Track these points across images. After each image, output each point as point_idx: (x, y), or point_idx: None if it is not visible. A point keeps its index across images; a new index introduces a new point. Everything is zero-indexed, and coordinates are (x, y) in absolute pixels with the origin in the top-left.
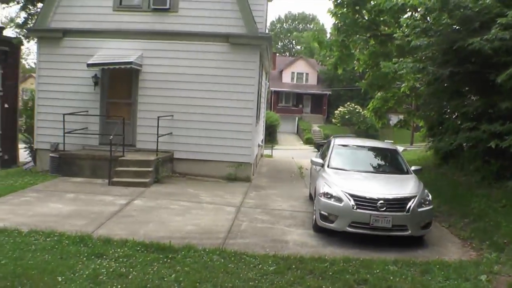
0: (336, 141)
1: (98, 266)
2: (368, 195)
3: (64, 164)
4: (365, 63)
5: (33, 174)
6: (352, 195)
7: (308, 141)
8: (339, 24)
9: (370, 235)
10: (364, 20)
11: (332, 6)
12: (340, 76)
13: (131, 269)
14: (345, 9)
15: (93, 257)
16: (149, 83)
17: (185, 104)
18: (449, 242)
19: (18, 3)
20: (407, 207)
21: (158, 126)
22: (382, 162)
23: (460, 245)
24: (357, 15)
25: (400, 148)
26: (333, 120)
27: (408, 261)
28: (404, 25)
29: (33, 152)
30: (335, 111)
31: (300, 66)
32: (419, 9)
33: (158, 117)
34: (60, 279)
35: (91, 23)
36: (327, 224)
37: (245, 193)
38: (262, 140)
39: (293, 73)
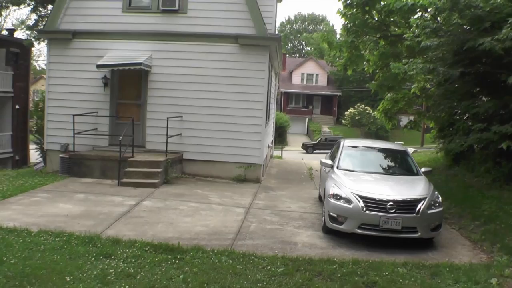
0: (346, 142)
1: (106, 266)
2: (377, 196)
3: (74, 165)
4: (375, 64)
5: (43, 174)
6: (361, 197)
7: None
8: (349, 25)
9: (380, 237)
10: (374, 21)
11: (341, 7)
12: (350, 77)
13: (139, 270)
14: (354, 10)
15: (101, 257)
16: (158, 84)
17: (194, 105)
18: (459, 244)
19: (29, 5)
20: (417, 209)
21: (167, 127)
22: (392, 164)
23: (470, 247)
24: (366, 16)
25: (410, 150)
26: (343, 121)
27: (418, 263)
28: (414, 25)
29: (44, 153)
30: (345, 112)
31: (310, 67)
32: (429, 9)
33: (168, 118)
34: (68, 279)
35: (100, 24)
36: (336, 225)
37: (255, 194)
38: (272, 141)
39: (303, 74)
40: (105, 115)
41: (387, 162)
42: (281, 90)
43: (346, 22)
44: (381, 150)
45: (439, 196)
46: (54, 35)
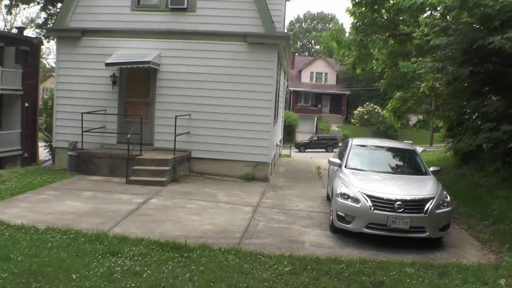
0: (354, 142)
1: (113, 264)
2: (385, 196)
3: (82, 163)
4: (384, 63)
5: (51, 172)
6: (369, 196)
7: None
8: (358, 24)
9: (388, 237)
10: (383, 19)
11: (350, 5)
12: (360, 76)
13: (145, 268)
14: (363, 8)
15: (108, 255)
16: (167, 82)
17: (202, 103)
18: (467, 244)
19: (38, 3)
20: (425, 208)
21: (175, 125)
22: (400, 163)
23: (479, 247)
24: (375, 14)
25: (419, 149)
26: (352, 120)
27: (426, 263)
28: (423, 24)
29: (53, 151)
30: (354, 111)
31: (319, 66)
32: (438, 8)
33: (176, 116)
34: (74, 277)
35: (109, 22)
36: (344, 225)
37: (263, 193)
38: (281, 140)
39: (312, 73)
40: (114, 113)
41: (395, 161)
42: (290, 88)
43: (355, 21)
44: (389, 149)
45: (448, 195)
46: (63, 33)
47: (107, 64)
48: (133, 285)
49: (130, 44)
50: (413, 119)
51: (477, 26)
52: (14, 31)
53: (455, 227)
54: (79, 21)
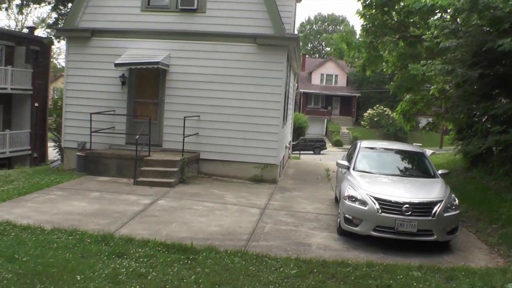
0: (362, 144)
1: (118, 266)
2: (393, 198)
3: (91, 163)
4: (394, 65)
5: (59, 172)
6: (377, 199)
7: (336, 143)
8: (368, 26)
9: (395, 240)
10: (393, 22)
11: (361, 7)
12: (370, 78)
13: (151, 270)
14: (373, 10)
15: (113, 256)
16: (176, 83)
17: (211, 104)
18: (475, 248)
19: (49, 3)
20: (433, 211)
21: (184, 126)
22: (409, 166)
23: (487, 251)
24: (386, 16)
25: (428, 152)
26: (362, 122)
27: (433, 267)
28: (433, 26)
29: (62, 151)
30: (364, 114)
31: (330, 68)
32: (448, 10)
33: (185, 117)
34: (79, 278)
35: (119, 23)
36: (351, 227)
37: (271, 194)
38: (290, 141)
39: (322, 74)
40: (123, 114)
41: (403, 164)
42: (300, 90)
43: (365, 23)
44: (398, 151)
45: (456, 198)
46: (73, 33)
47: (116, 65)
48: (138, 287)
49: (139, 45)
50: (423, 121)
51: (486, 29)
52: (25, 31)
53: (463, 230)
54: (89, 21)
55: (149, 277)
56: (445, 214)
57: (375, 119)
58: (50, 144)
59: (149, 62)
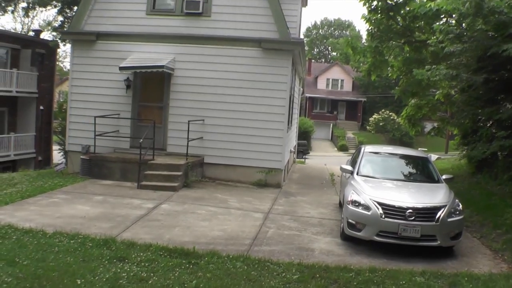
0: (366, 149)
1: (119, 270)
2: (396, 203)
3: (95, 167)
4: (399, 70)
5: (63, 175)
6: (380, 204)
7: (342, 148)
8: (373, 30)
9: (398, 245)
10: (398, 26)
11: (366, 12)
12: (376, 83)
13: (152, 274)
14: (379, 15)
15: (115, 260)
16: (180, 87)
17: (216, 108)
18: (479, 253)
19: (55, 6)
20: (437, 216)
21: (188, 130)
22: (413, 170)
23: (491, 257)
24: (391, 21)
25: (433, 157)
26: (367, 127)
27: (436, 272)
28: (438, 31)
29: (66, 154)
30: (370, 118)
31: (336, 73)
32: (453, 15)
33: (189, 121)
34: (79, 282)
35: (124, 26)
36: (354, 232)
37: (275, 199)
38: (295, 146)
39: (328, 79)
40: (127, 117)
41: (407, 169)
42: (306, 95)
43: (370, 28)
44: (402, 156)
45: (460, 204)
46: (78, 36)
47: (121, 68)
48: None
49: (144, 48)
50: (429, 126)
51: (491, 34)
52: (31, 33)
53: (467, 235)
54: (94, 24)
55: (150, 282)
56: (449, 219)
57: (381, 124)
58: (55, 147)
59: (154, 65)
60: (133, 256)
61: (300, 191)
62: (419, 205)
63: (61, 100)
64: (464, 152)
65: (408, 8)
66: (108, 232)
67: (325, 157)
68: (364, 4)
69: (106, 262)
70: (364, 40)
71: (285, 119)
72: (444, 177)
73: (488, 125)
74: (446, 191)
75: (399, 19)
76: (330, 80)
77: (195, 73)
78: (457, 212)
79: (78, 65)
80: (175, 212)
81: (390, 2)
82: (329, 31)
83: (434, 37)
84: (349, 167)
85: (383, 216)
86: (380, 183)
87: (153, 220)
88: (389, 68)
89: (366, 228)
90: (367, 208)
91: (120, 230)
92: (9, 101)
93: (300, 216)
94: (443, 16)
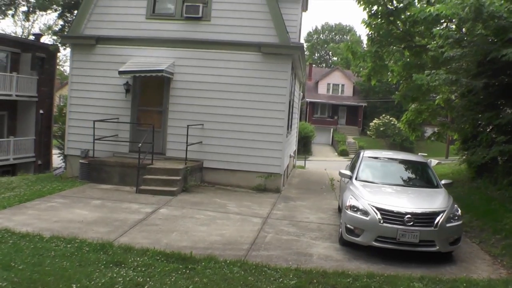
0: (366, 153)
1: (115, 275)
2: (395, 209)
3: (93, 171)
4: (399, 75)
5: (62, 180)
6: (378, 209)
7: (342, 153)
8: (373, 35)
9: (397, 250)
10: (398, 31)
11: (366, 17)
12: (376, 87)
13: (148, 279)
14: (379, 20)
15: (111, 265)
16: (180, 91)
17: (215, 113)
18: (478, 259)
19: (55, 10)
20: (435, 222)
21: (187, 135)
22: (411, 176)
23: (490, 262)
24: (391, 26)
25: (434, 161)
26: (368, 132)
27: (434, 278)
28: (437, 35)
29: (66, 158)
30: (370, 123)
31: (336, 77)
32: (453, 20)
33: (188, 125)
34: (75, 287)
35: (124, 30)
36: (352, 237)
37: (274, 204)
38: (295, 151)
39: (329, 84)
40: (126, 122)
41: (406, 174)
42: (307, 100)
43: (370, 32)
44: (401, 161)
45: (459, 209)
46: (78, 40)
47: (120, 72)
48: None
49: (144, 53)
50: (429, 131)
51: (491, 38)
52: (31, 37)
53: (466, 241)
54: (94, 28)
55: (146, 287)
56: (448, 225)
57: (381, 129)
58: (55, 151)
59: (153, 70)
60: (130, 260)
61: (299, 195)
62: (418, 210)
63: (61, 104)
64: (464, 157)
65: (408, 13)
66: (106, 237)
67: (325, 162)
68: (365, 9)
69: (103, 266)
70: (364, 45)
71: (284, 124)
72: (443, 182)
73: (488, 130)
74: (445, 196)
75: (399, 24)
76: (331, 85)
77: (195, 77)
78: (456, 218)
79: (77, 69)
80: (173, 217)
81: (390, 7)
82: (330, 36)
83: (434, 41)
84: (348, 172)
85: (381, 222)
86: (379, 188)
87: (151, 225)
88: (389, 73)
89: (365, 233)
90: (365, 213)
91: (118, 235)
92: (9, 105)
93: (299, 221)
94: (443, 20)
